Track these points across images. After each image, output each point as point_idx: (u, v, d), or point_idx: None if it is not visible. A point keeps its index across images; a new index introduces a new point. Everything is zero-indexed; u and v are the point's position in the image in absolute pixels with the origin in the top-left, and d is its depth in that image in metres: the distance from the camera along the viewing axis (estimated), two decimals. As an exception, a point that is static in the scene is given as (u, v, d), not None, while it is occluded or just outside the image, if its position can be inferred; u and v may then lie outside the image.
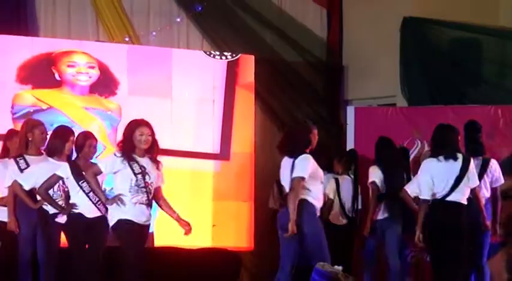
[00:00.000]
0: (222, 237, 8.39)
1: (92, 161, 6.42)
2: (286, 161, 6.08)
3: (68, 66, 8.00)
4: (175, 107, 8.41)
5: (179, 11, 9.03)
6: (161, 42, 8.87)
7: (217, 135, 8.54)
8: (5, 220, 6.50)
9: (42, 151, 6.63)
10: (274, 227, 8.46)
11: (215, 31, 9.20)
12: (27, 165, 6.47)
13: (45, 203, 6.33)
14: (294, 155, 6.00)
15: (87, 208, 6.30)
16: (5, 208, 6.51)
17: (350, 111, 8.39)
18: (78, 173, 6.30)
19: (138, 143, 5.94)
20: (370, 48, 9.18)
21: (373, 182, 7.14)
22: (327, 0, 9.78)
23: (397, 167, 7.21)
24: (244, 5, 9.22)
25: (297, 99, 9.45)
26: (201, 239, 8.14)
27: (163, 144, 7.99)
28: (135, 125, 6.03)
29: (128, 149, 5.93)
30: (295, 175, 5.90)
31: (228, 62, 8.65)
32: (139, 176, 5.91)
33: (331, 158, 7.96)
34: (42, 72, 7.92)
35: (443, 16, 8.57)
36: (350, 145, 8.19)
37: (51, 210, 6.35)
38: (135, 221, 5.85)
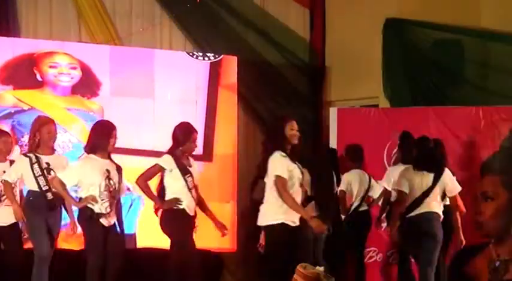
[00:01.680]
0: (204, 238, 8.35)
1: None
2: (421, 176, 6.65)
3: (50, 67, 7.96)
4: (158, 108, 8.39)
5: (162, 12, 9.01)
6: (144, 43, 8.84)
7: (200, 136, 8.48)
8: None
9: (55, 149, 6.61)
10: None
11: (198, 32, 9.18)
12: (38, 161, 6.39)
13: (91, 202, 6.04)
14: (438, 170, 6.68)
15: (191, 205, 6.22)
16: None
17: (333, 112, 8.42)
18: (183, 167, 6.16)
19: (291, 138, 5.73)
20: (353, 49, 9.19)
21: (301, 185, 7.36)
22: (310, 1, 9.80)
23: (325, 168, 7.42)
24: (227, 6, 9.22)
25: (280, 100, 9.46)
26: (183, 240, 8.12)
27: (146, 145, 8.03)
28: (284, 120, 5.85)
29: (285, 145, 5.71)
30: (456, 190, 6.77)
31: (211, 63, 8.65)
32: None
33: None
34: (23, 73, 7.87)
35: (426, 17, 8.61)
36: (333, 146, 8.20)
37: (97, 209, 6.10)
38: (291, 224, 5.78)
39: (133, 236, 7.80)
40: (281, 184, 5.73)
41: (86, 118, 8.03)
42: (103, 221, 6.08)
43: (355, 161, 7.61)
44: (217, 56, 8.70)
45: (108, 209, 6.06)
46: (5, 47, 7.89)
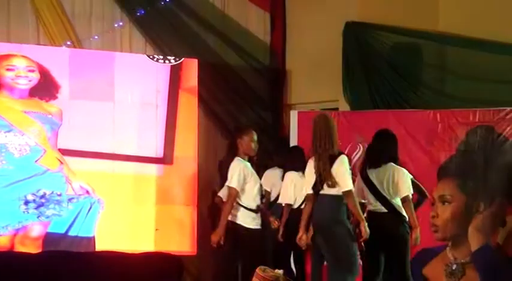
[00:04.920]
0: (165, 241, 8.34)
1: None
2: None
3: (7, 69, 7.83)
4: (118, 111, 8.33)
5: (122, 14, 8.96)
6: (104, 46, 8.78)
7: (161, 139, 8.49)
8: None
9: None
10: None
11: (158, 35, 9.15)
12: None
13: None
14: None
15: None
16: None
17: (293, 115, 8.45)
18: None
19: None
20: (314, 52, 9.23)
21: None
22: (270, 4, 9.82)
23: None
24: (187, 9, 9.20)
25: (240, 104, 9.47)
26: (143, 243, 8.09)
27: (106, 148, 7.97)
28: None
29: None
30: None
31: (172, 66, 8.62)
32: None
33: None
34: (-20, 76, 7.78)
35: (385, 21, 8.67)
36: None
37: None
38: None
39: (92, 240, 7.74)
40: None
41: (44, 121, 7.94)
42: None
43: None
44: (177, 59, 8.66)
45: None
46: (-39, 49, 7.79)
